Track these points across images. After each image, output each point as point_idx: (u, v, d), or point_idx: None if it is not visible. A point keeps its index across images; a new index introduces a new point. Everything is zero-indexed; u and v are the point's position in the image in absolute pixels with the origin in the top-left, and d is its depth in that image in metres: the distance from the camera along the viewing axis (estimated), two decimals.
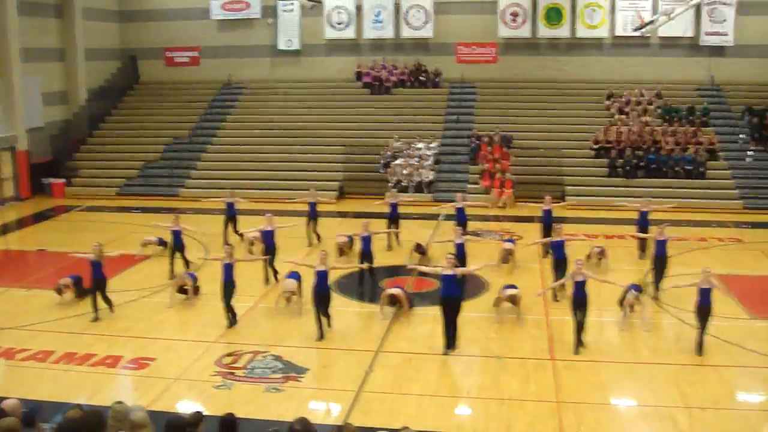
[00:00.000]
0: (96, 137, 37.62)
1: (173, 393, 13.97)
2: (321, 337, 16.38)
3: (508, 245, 22.09)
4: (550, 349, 16.03)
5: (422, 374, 14.61)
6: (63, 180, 34.30)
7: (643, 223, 22.49)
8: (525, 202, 27.90)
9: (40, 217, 30.14)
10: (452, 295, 15.68)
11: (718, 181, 31.60)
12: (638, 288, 17.84)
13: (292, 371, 14.80)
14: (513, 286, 18.19)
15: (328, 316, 16.65)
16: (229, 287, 17.06)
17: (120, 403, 8.91)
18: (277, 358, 15.44)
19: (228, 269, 17.09)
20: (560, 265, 18.95)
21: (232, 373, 14.74)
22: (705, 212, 29.01)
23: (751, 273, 21.65)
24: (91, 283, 17.80)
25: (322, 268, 16.49)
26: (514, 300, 17.66)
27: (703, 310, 15.35)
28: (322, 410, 13.57)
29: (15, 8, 31.93)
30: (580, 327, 15.62)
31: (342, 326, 17.32)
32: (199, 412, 10.01)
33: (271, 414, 12.80)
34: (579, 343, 15.66)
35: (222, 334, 16.76)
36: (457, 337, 15.78)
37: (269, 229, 20.58)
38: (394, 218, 23.99)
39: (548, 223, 22.35)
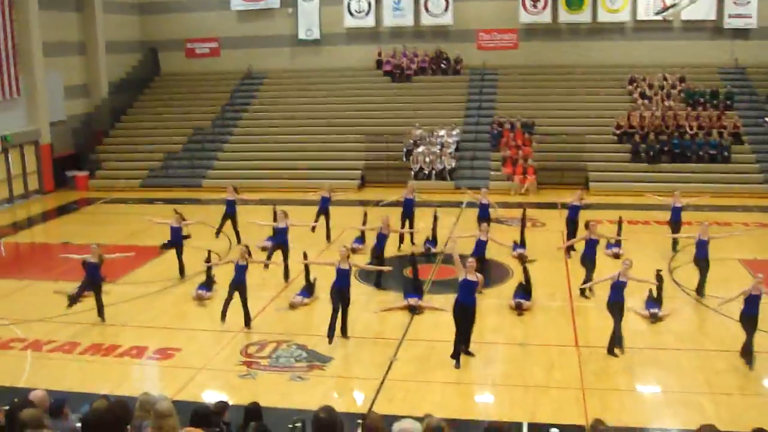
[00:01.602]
0: (118, 129, 37.83)
1: (198, 383, 14.06)
2: (331, 340, 15.39)
3: (519, 251, 21.56)
4: (574, 335, 15.99)
5: (446, 362, 14.57)
6: (86, 173, 34.53)
7: (675, 218, 21.87)
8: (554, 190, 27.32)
9: (64, 210, 30.37)
10: (471, 302, 14.61)
11: (742, 165, 31.30)
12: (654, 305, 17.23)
13: (316, 360, 14.84)
14: (521, 294, 17.77)
15: (346, 317, 15.84)
16: (241, 288, 16.44)
17: (145, 394, 8.98)
18: (302, 347, 15.48)
19: (240, 270, 16.50)
20: (591, 263, 18.35)
21: (256, 363, 14.81)
22: (730, 197, 28.77)
23: None
24: (86, 284, 17.23)
25: (344, 266, 15.77)
26: (520, 307, 17.39)
27: (751, 319, 14.27)
28: (347, 399, 13.60)
29: (36, 3, 32.10)
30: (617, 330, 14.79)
31: (366, 315, 17.34)
32: (224, 402, 10.08)
33: (296, 403, 12.82)
34: (617, 344, 14.78)
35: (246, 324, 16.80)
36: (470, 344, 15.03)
37: (282, 226, 19.99)
38: (408, 214, 22.83)
39: (574, 219, 21.77)
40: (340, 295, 15.72)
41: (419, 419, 6.75)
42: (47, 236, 27.34)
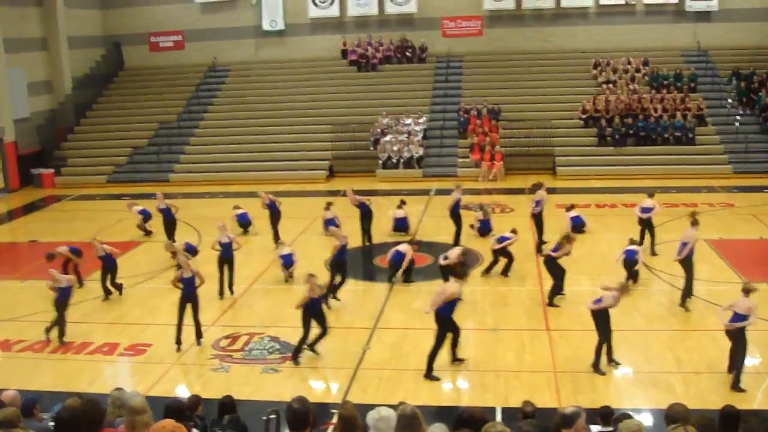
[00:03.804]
0: (83, 126, 37.43)
1: (171, 378, 14.02)
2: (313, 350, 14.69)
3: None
4: (545, 320, 16.12)
5: (419, 349, 14.61)
6: (52, 170, 34.16)
7: (646, 223, 20.15)
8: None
9: (30, 208, 30.03)
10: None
11: (707, 146, 31.61)
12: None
13: (289, 351, 14.82)
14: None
15: (322, 336, 14.66)
16: (194, 302, 15.28)
17: (118, 390, 8.94)
18: (274, 339, 15.49)
19: (189, 283, 15.30)
20: (561, 275, 17.03)
21: (229, 356, 14.79)
22: (695, 178, 29.07)
23: (742, 237, 21.75)
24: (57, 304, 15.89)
25: (314, 295, 14.27)
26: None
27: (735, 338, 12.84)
28: (321, 389, 13.64)
29: None
30: (605, 343, 13.69)
31: (338, 304, 17.36)
32: (197, 396, 10.08)
33: (270, 395, 12.85)
34: (609, 356, 13.83)
35: (217, 318, 16.77)
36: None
37: (226, 240, 18.30)
38: (365, 215, 22.17)
39: (541, 219, 21.02)
40: (315, 317, 14.50)
41: (393, 407, 6.79)
42: (14, 235, 27.02)
